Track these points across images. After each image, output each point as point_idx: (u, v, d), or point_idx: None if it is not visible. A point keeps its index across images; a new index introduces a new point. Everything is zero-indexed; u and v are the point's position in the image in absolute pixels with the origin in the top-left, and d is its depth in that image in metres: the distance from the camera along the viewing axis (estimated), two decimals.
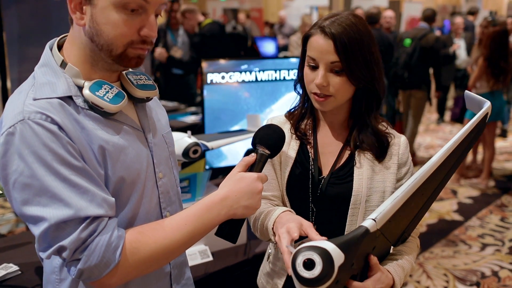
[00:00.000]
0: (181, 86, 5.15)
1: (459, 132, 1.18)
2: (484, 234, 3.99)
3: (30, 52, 3.19)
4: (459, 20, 7.25)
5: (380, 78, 1.31)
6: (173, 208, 1.20)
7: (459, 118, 6.96)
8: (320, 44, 1.25)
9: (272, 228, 1.23)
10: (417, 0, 18.38)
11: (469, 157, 5.66)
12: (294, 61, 2.76)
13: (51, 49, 1.07)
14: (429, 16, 5.74)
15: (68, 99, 1.01)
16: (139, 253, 0.99)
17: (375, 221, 1.03)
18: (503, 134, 7.12)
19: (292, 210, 1.31)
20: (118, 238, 0.97)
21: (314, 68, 1.28)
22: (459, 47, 6.97)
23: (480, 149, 5.46)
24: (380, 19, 5.93)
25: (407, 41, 5.59)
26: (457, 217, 4.34)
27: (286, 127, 1.41)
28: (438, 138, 7.20)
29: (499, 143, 6.80)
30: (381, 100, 1.34)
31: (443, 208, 4.52)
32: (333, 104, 1.30)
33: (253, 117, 2.54)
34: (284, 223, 1.15)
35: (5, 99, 4.03)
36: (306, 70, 1.31)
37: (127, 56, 1.02)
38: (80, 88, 1.03)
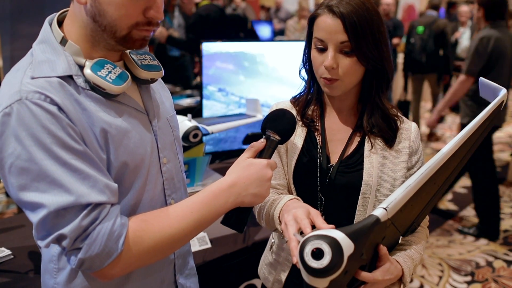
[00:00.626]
0: (176, 68, 5.08)
1: (474, 120, 1.14)
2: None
3: (23, 29, 3.08)
4: (465, 8, 7.17)
5: (389, 57, 1.26)
6: (178, 195, 1.15)
7: (455, 107, 6.94)
8: (328, 24, 1.19)
9: (279, 217, 1.18)
10: None
11: None
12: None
13: (50, 25, 1.00)
14: (436, 5, 6.29)
15: (68, 78, 0.94)
16: (143, 242, 0.94)
17: (386, 210, 0.99)
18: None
19: (299, 198, 1.26)
20: (121, 226, 0.92)
21: (322, 50, 1.22)
22: (461, 35, 6.92)
23: None
24: (379, 6, 5.88)
25: (420, 28, 5.95)
26: (452, 206, 4.34)
27: (293, 113, 1.35)
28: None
29: (495, 133, 6.80)
30: (390, 81, 1.29)
31: None
32: (342, 88, 1.25)
33: (252, 101, 2.48)
34: (291, 211, 1.10)
35: None
36: (314, 53, 1.25)
37: (131, 37, 0.97)
38: (81, 67, 0.96)
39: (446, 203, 4.38)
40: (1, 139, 0.87)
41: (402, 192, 1.01)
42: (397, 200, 1.00)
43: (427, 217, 1.32)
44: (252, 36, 6.13)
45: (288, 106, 1.38)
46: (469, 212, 4.20)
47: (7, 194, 4.15)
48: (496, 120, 3.09)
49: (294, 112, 1.35)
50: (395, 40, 6.33)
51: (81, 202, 0.88)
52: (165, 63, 5.55)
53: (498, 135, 6.77)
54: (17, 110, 0.86)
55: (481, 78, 1.33)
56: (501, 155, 5.91)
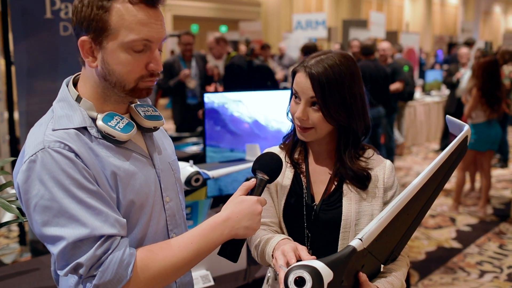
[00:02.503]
0: (194, 116, 5.29)
1: (441, 155, 1.27)
2: (483, 261, 4.03)
3: (38, 85, 3.30)
4: (465, 50, 7.40)
5: (359, 118, 1.39)
6: (179, 230, 1.28)
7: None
8: (301, 81, 1.36)
9: (272, 255, 1.31)
10: (414, 31, 18.75)
11: (467, 185, 5.73)
12: None
13: (67, 86, 1.18)
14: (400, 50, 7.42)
15: (83, 129, 1.11)
16: (149, 269, 1.07)
17: (361, 240, 1.11)
18: (503, 164, 7.15)
19: (290, 238, 1.40)
20: (130, 255, 1.06)
21: (297, 100, 1.39)
22: (462, 76, 7.10)
23: (478, 177, 5.53)
24: (376, 51, 6.08)
25: (406, 68, 7.10)
26: (455, 244, 4.39)
27: (282, 157, 1.50)
28: None
29: (498, 171, 6.88)
30: (359, 139, 1.42)
31: (442, 235, 4.57)
32: (314, 136, 1.40)
33: (252, 147, 2.64)
34: (280, 247, 1.25)
35: (12, 130, 4.15)
36: (292, 102, 1.42)
37: (138, 88, 1.14)
38: (94, 120, 1.13)
39: (450, 241, 4.44)
40: (27, 182, 1.03)
41: (376, 223, 1.14)
42: (371, 231, 1.13)
43: (407, 246, 1.43)
44: (277, 85, 6.54)
45: (277, 151, 1.53)
46: (473, 250, 4.25)
47: (20, 243, 4.28)
48: None
49: (283, 156, 1.50)
50: (396, 85, 6.46)
51: (95, 234, 1.02)
52: (183, 111, 5.80)
53: (501, 173, 6.85)
54: (41, 157, 1.03)
55: (447, 115, 1.48)
56: (504, 192, 5.97)
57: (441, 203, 5.48)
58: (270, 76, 5.86)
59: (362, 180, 1.41)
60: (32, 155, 1.04)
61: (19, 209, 1.38)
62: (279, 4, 19.04)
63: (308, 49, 5.79)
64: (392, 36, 12.46)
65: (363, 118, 1.40)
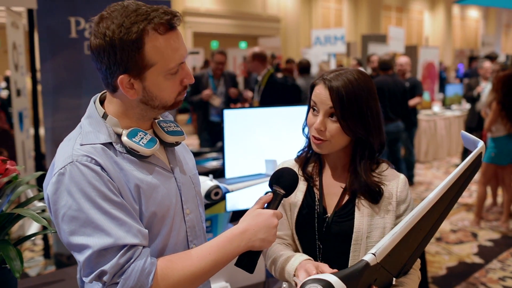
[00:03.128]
0: (217, 133, 5.38)
1: (455, 171, 1.29)
2: (505, 277, 3.98)
3: (63, 102, 3.40)
4: (487, 64, 7.36)
5: (376, 132, 1.43)
6: (199, 241, 1.33)
7: None
8: (321, 92, 1.41)
9: (294, 274, 1.36)
10: (433, 45, 18.68)
11: (489, 200, 5.67)
12: None
13: (94, 103, 1.24)
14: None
15: (109, 144, 1.18)
16: (169, 278, 1.12)
17: (375, 255, 1.14)
18: None
19: (311, 258, 1.42)
20: (151, 264, 1.11)
21: (316, 113, 1.43)
22: (482, 89, 7.06)
23: (500, 191, 5.47)
24: (394, 66, 6.10)
25: None
26: (477, 260, 4.34)
27: (296, 171, 1.55)
28: None
29: None
30: (374, 153, 1.45)
31: (464, 251, 4.53)
32: (329, 148, 1.44)
33: (270, 161, 2.68)
34: (303, 267, 1.31)
35: (37, 146, 4.27)
36: (309, 114, 1.47)
37: (176, 103, 1.22)
38: (119, 135, 1.19)
39: (472, 257, 4.39)
40: (56, 193, 1.09)
41: (389, 238, 1.17)
42: (385, 245, 1.16)
43: (418, 260, 1.46)
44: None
45: (292, 164, 1.57)
46: (495, 265, 4.20)
47: (45, 256, 4.37)
48: None
49: (296, 169, 1.54)
50: (415, 100, 6.45)
51: (118, 244, 1.08)
52: (206, 128, 5.92)
53: None
54: (69, 170, 1.09)
55: (462, 131, 1.50)
56: None
57: (463, 218, 5.43)
58: (299, 96, 5.93)
59: (374, 195, 1.43)
60: (61, 168, 1.10)
61: (47, 220, 1.44)
62: (298, 20, 19.21)
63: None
64: (411, 51, 12.43)
65: (379, 133, 1.44)
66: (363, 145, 1.44)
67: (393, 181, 1.47)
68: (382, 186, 1.44)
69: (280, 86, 5.62)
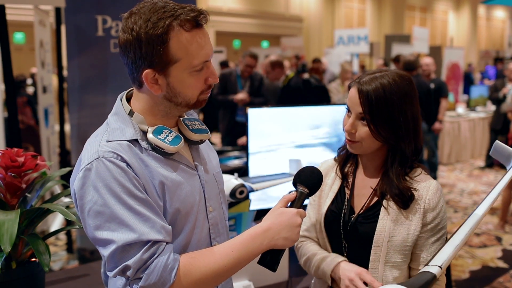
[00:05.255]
0: (243, 132, 5.41)
1: (499, 184, 1.29)
2: None
3: (88, 99, 3.45)
4: None
5: (410, 137, 1.40)
6: (221, 239, 1.34)
7: None
8: (353, 95, 1.41)
9: (330, 275, 1.45)
10: (458, 46, 18.40)
11: None
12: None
13: (121, 100, 1.26)
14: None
15: (134, 141, 1.19)
16: (191, 275, 1.13)
17: (441, 268, 1.15)
18: None
19: (346, 259, 1.47)
20: (174, 260, 1.12)
21: (349, 113, 1.44)
22: (508, 91, 6.92)
23: None
24: (419, 66, 6.02)
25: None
26: (501, 264, 4.27)
27: (334, 170, 1.58)
28: (482, 184, 7.10)
29: None
30: (407, 158, 1.43)
31: (487, 255, 4.46)
32: (361, 149, 1.44)
33: (294, 161, 2.68)
34: (345, 273, 1.41)
35: (62, 142, 4.35)
36: (345, 116, 1.47)
37: (199, 101, 1.23)
38: (145, 133, 1.21)
39: (496, 261, 4.32)
40: (82, 189, 1.11)
41: (452, 251, 1.18)
42: (449, 258, 1.17)
43: (444, 276, 1.48)
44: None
45: (331, 163, 1.60)
46: None
47: (68, 251, 4.45)
48: None
49: (335, 168, 1.57)
50: (443, 104, 6.30)
51: (142, 239, 1.09)
52: (231, 127, 5.96)
53: None
54: (95, 166, 1.11)
55: (497, 141, 1.45)
56: None
57: (487, 222, 5.34)
58: (326, 97, 5.90)
59: (405, 200, 1.41)
60: (88, 164, 1.12)
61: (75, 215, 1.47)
62: (321, 19, 19.12)
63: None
64: (435, 51, 12.28)
65: (413, 139, 1.41)
66: (395, 150, 1.43)
67: (424, 187, 1.44)
68: (413, 192, 1.42)
69: (294, 91, 5.59)
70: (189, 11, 1.15)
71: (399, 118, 1.37)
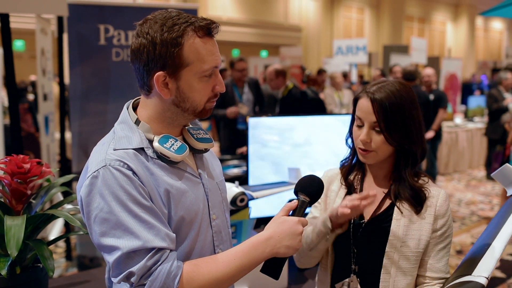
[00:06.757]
0: (244, 141, 5.42)
1: None
2: None
3: (90, 107, 3.47)
4: (509, 76, 7.25)
5: (419, 140, 1.46)
6: (224, 246, 1.36)
7: None
8: (365, 106, 1.44)
9: (330, 218, 1.47)
10: (456, 56, 18.51)
11: None
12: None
13: (127, 109, 1.28)
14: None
15: (140, 150, 1.22)
16: (194, 282, 1.15)
17: (487, 279, 1.17)
18: None
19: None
20: (177, 267, 1.14)
21: (360, 126, 1.47)
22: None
23: None
24: (418, 77, 6.05)
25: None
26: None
27: (338, 179, 1.60)
28: (480, 194, 7.12)
29: None
30: (417, 160, 1.48)
31: None
32: (375, 158, 1.47)
33: (294, 170, 2.70)
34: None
35: (62, 149, 4.36)
36: (354, 128, 1.50)
37: (205, 109, 1.26)
38: (151, 141, 1.23)
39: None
40: (89, 196, 1.13)
41: (494, 262, 1.20)
42: (492, 267, 1.19)
43: None
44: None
45: (336, 172, 1.62)
46: None
47: (67, 258, 4.45)
48: None
49: (339, 178, 1.59)
50: (440, 115, 6.30)
51: (147, 247, 1.11)
52: (231, 135, 5.93)
53: None
54: (102, 174, 1.13)
55: (507, 164, 1.45)
56: None
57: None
58: (321, 109, 5.91)
59: (420, 200, 1.46)
60: (94, 171, 1.14)
61: (80, 221, 1.49)
62: (320, 29, 19.25)
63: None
64: (433, 62, 12.36)
65: (421, 141, 1.47)
66: (406, 154, 1.47)
67: (434, 194, 1.49)
68: (425, 192, 1.47)
69: (297, 102, 5.62)
70: (202, 19, 1.20)
71: (410, 122, 1.43)
